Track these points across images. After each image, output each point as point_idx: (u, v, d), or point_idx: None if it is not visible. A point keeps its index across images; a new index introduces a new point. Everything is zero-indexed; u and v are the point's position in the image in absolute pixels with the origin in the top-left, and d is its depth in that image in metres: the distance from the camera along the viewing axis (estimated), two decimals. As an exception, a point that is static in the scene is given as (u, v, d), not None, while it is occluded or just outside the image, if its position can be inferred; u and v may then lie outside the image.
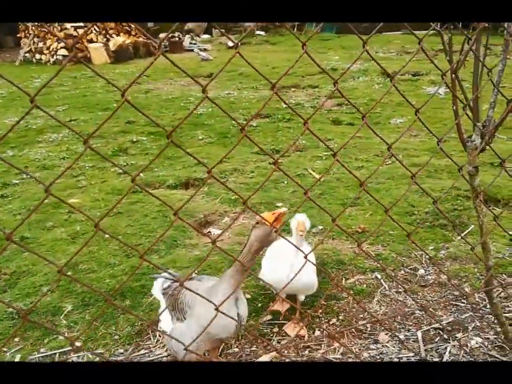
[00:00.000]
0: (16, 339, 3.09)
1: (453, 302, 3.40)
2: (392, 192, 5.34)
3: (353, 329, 3.19)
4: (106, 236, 4.65)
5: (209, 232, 4.97)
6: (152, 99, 10.56)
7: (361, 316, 3.34)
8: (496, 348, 2.86)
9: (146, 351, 3.05)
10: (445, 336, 3.04)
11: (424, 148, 6.67)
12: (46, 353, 2.99)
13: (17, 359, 2.92)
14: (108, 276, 3.88)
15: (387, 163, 6.26)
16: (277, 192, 5.73)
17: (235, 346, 3.10)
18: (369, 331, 3.17)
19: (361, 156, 6.60)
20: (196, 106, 1.27)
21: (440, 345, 2.95)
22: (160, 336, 3.17)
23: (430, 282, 3.66)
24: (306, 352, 3.00)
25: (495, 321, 2.96)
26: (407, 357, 2.88)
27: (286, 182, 6.05)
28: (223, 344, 3.02)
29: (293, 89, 10.99)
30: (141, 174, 6.43)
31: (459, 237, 4.20)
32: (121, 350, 3.03)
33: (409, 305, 3.42)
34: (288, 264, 2.90)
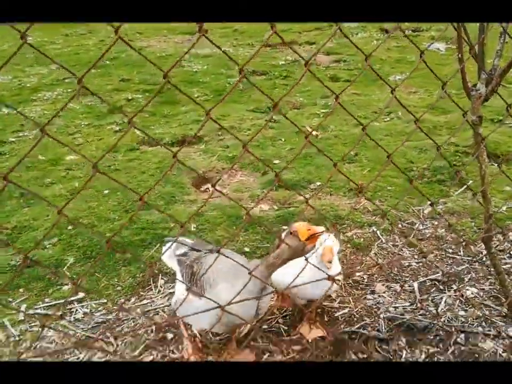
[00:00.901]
0: (21, 290, 3.08)
1: (450, 255, 3.40)
2: (390, 148, 5.23)
3: (351, 281, 3.20)
4: (106, 191, 4.59)
5: (207, 189, 4.91)
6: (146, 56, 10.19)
7: (358, 267, 3.34)
8: (491, 298, 2.88)
9: (148, 301, 3.05)
10: (441, 287, 3.05)
11: (423, 104, 6.52)
12: (50, 303, 2.99)
13: (22, 308, 2.92)
14: (108, 230, 3.84)
15: (385, 120, 6.13)
16: (274, 150, 5.63)
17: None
18: (366, 282, 3.18)
19: (359, 112, 6.45)
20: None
21: (436, 296, 2.97)
22: (161, 287, 3.17)
23: (427, 236, 3.65)
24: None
25: (491, 272, 2.96)
26: (403, 306, 2.89)
27: (283, 140, 5.93)
28: (238, 334, 2.70)
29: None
30: (137, 131, 6.30)
31: (457, 192, 4.16)
32: (123, 300, 3.03)
33: (405, 257, 3.42)
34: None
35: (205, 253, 2.49)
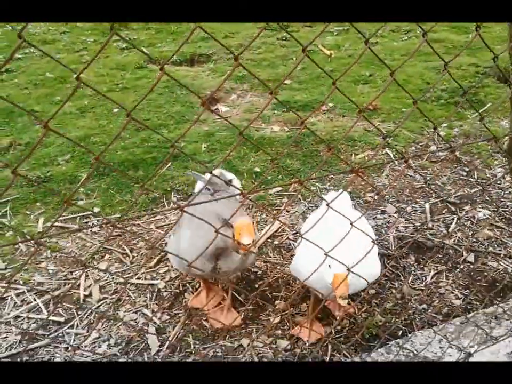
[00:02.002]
0: (38, 204, 3.03)
1: (463, 177, 3.26)
2: (406, 69, 4.87)
3: (361, 201, 3.10)
4: (115, 110, 4.38)
5: (217, 109, 4.67)
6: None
7: (369, 189, 3.22)
8: (503, 220, 2.78)
9: (161, 216, 3.00)
10: (453, 209, 2.95)
11: (443, 23, 5.96)
12: (67, 217, 2.95)
13: (40, 222, 2.88)
14: (119, 148, 3.70)
15: (403, 39, 5.65)
16: (285, 69, 5.27)
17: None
18: (377, 203, 3.08)
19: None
20: None
21: (447, 217, 2.88)
22: (174, 204, 3.11)
23: (441, 158, 3.48)
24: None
25: (504, 195, 2.84)
26: (413, 226, 2.82)
27: (294, 59, 5.54)
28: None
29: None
30: (144, 49, 5.89)
31: (474, 115, 3.91)
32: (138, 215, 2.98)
33: (418, 179, 3.28)
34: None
35: (211, 193, 2.22)
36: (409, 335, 1.61)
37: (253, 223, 1.89)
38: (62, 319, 2.24)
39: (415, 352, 1.41)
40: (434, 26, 6.16)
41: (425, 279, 2.44)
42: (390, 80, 1.16)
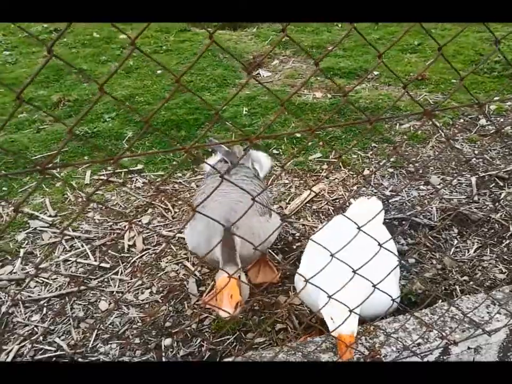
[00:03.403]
0: (85, 157, 3.09)
1: (514, 152, 3.06)
2: (458, 39, 4.55)
3: (404, 171, 2.97)
4: (159, 71, 4.35)
5: (258, 74, 4.56)
6: None
7: (414, 159, 3.08)
8: (556, 196, 2.60)
9: (202, 176, 2.99)
10: (501, 184, 2.78)
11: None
12: (112, 171, 3.00)
13: (87, 174, 2.94)
14: (162, 108, 3.69)
15: (456, 8, 5.25)
16: (330, 36, 5.05)
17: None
18: (421, 173, 2.95)
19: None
20: None
21: (495, 191, 2.72)
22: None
23: (491, 132, 3.27)
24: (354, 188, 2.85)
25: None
26: (458, 198, 2.68)
27: (340, 26, 5.29)
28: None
29: None
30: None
31: (530, 88, 3.62)
32: (180, 174, 2.99)
33: (465, 152, 3.11)
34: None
35: (228, 167, 2.12)
36: (455, 298, 1.54)
37: (239, 277, 1.54)
38: (107, 265, 2.31)
39: (460, 314, 1.34)
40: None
41: (468, 252, 2.33)
42: (437, 54, 1.04)
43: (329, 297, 1.16)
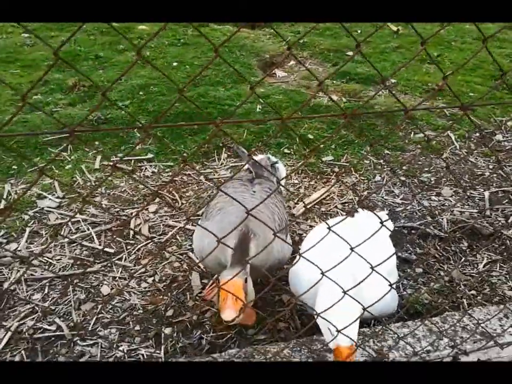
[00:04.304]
0: (97, 142, 3.08)
1: (529, 169, 3.02)
2: (479, 53, 4.52)
3: (416, 180, 2.94)
4: (175, 63, 4.35)
5: (274, 73, 4.55)
6: None
7: (426, 169, 3.05)
8: None
9: (211, 170, 2.98)
10: (514, 200, 2.74)
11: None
12: (123, 158, 2.99)
13: (98, 160, 2.94)
14: (178, 100, 3.68)
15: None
16: (348, 40, 5.03)
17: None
18: (433, 184, 2.92)
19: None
20: None
21: (508, 207, 2.68)
22: (224, 160, 3.08)
23: (507, 148, 3.23)
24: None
25: None
26: (470, 212, 2.65)
27: (359, 31, 5.27)
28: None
29: None
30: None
31: (549, 107, 3.59)
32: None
33: (479, 166, 3.07)
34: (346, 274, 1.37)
35: (251, 177, 2.04)
36: (467, 309, 1.51)
37: (246, 280, 1.48)
38: (112, 251, 2.29)
39: (471, 325, 1.31)
40: None
41: (477, 266, 2.30)
42: (442, 83, 1.01)
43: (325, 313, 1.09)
